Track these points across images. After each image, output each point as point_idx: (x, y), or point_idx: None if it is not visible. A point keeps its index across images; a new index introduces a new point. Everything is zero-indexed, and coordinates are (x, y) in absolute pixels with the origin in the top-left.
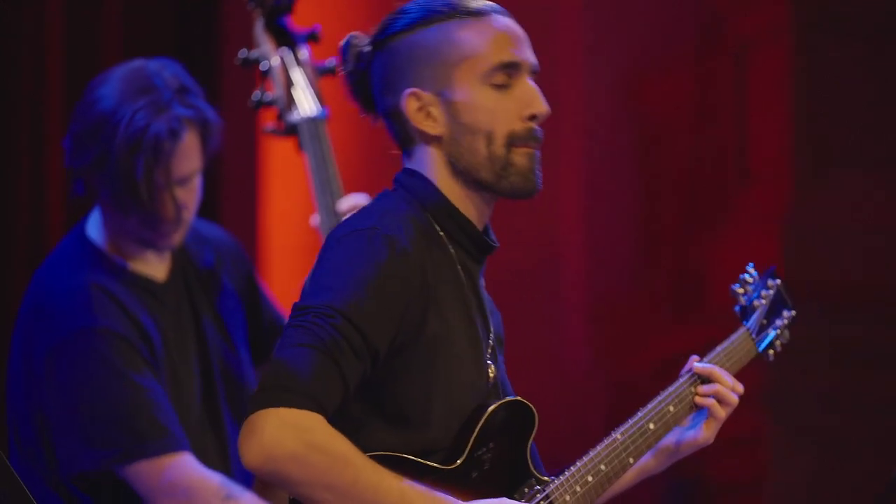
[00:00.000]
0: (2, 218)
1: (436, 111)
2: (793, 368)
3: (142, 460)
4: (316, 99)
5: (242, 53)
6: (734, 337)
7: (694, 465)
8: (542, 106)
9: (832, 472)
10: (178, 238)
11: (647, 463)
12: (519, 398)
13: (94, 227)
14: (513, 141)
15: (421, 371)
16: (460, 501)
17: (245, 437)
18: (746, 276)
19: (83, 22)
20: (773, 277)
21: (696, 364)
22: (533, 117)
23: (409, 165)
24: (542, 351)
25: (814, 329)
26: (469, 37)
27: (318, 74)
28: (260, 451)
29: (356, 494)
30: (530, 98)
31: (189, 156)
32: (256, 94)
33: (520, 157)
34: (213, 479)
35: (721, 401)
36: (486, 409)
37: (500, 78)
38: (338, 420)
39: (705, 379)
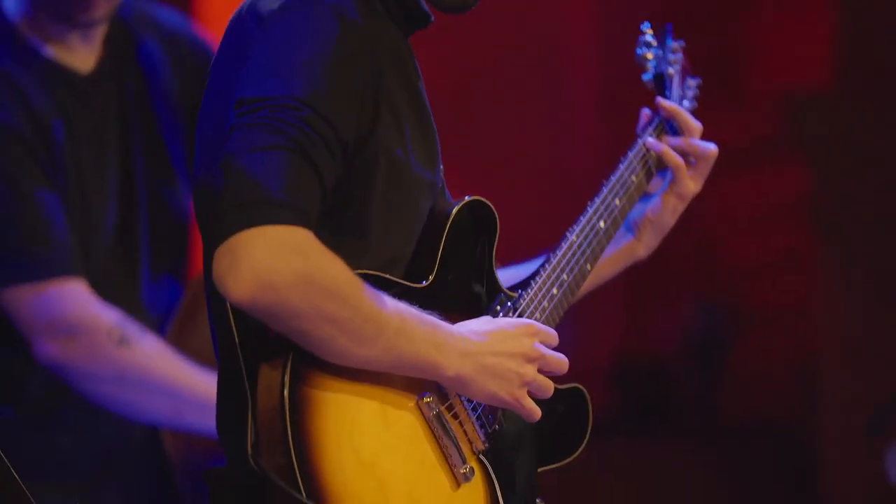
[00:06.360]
0: None
1: None
2: None
3: (20, 284)
4: None
5: None
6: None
7: (735, 289)
8: None
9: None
10: (100, 11)
11: (628, 244)
12: (478, 198)
13: None
14: None
15: (377, 171)
16: (453, 326)
17: (228, 266)
18: (647, 38)
19: None
20: (675, 39)
21: (661, 102)
22: None
23: None
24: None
25: None
26: None
27: None
28: (253, 281)
29: (358, 325)
30: None
31: None
32: None
33: None
34: (106, 317)
35: (691, 153)
36: (448, 215)
37: None
38: None
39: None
